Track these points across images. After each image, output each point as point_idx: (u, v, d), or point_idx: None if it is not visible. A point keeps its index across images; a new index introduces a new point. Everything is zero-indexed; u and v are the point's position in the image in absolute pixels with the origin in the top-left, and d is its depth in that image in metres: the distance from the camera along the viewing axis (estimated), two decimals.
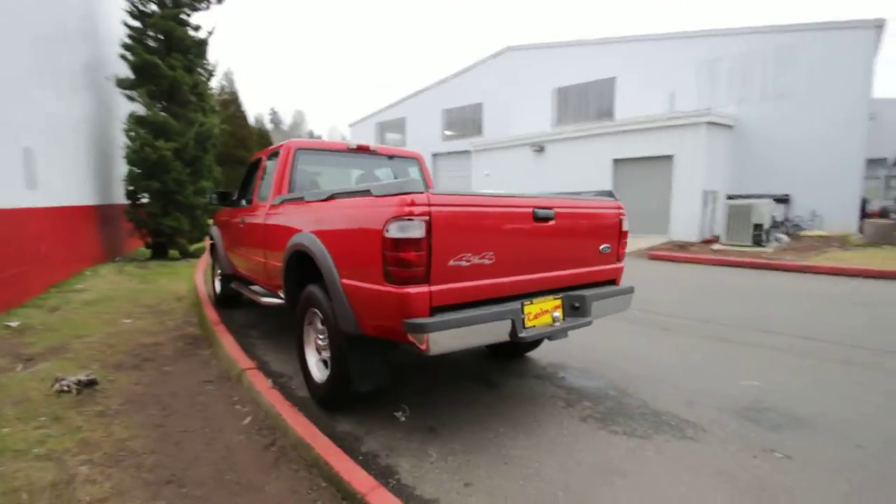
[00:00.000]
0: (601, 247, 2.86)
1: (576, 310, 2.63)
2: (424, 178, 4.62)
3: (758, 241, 10.87)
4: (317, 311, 2.76)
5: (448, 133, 24.26)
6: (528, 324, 2.36)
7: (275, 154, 3.97)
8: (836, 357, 3.80)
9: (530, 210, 2.42)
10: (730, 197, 13.39)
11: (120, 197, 8.73)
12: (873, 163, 17.12)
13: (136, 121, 7.89)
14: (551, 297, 2.55)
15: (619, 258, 3.03)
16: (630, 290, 2.97)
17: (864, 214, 14.55)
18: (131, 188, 8.25)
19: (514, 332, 2.25)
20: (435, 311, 2.07)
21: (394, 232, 2.00)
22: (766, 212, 11.21)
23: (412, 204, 2.00)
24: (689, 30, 16.70)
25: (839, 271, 7.67)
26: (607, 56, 18.55)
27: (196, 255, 9.05)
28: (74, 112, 7.40)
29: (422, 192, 2.03)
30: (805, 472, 2.20)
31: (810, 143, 14.34)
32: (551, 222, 2.51)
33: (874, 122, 14.24)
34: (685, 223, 13.43)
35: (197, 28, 8.96)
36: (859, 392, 3.12)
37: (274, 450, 2.30)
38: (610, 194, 3.03)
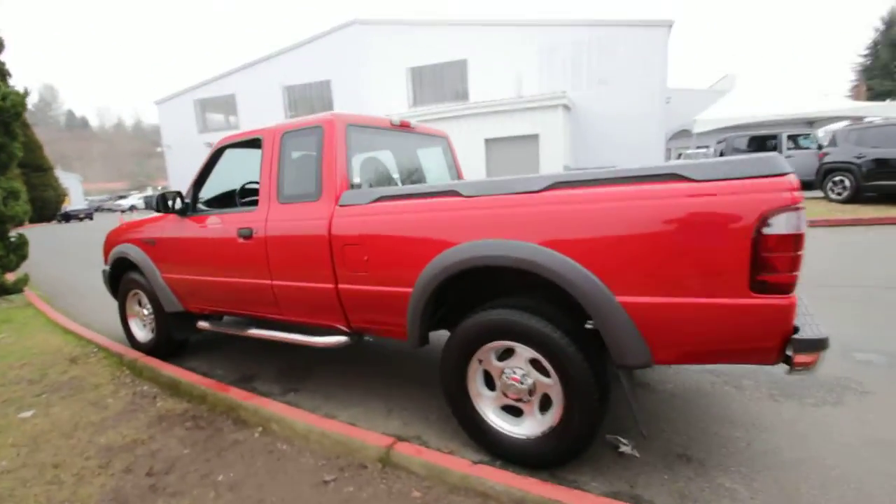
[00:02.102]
0: None
1: None
2: (454, 162, 3.90)
3: None
4: (511, 343, 2.04)
5: (292, 115, 21.82)
6: None
7: (299, 133, 2.80)
8: (825, 295, 4.52)
9: None
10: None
11: None
12: None
13: None
14: None
15: None
16: None
17: None
18: None
19: None
20: None
21: (780, 227, 1.52)
22: None
23: (792, 189, 1.54)
24: (530, 19, 18.20)
25: None
26: (458, 38, 18.98)
27: (16, 289, 6.17)
28: None
29: (789, 171, 1.57)
30: None
31: (625, 122, 17.29)
32: None
33: (668, 105, 17.87)
34: None
35: None
36: (888, 324, 3.74)
37: None
38: None
